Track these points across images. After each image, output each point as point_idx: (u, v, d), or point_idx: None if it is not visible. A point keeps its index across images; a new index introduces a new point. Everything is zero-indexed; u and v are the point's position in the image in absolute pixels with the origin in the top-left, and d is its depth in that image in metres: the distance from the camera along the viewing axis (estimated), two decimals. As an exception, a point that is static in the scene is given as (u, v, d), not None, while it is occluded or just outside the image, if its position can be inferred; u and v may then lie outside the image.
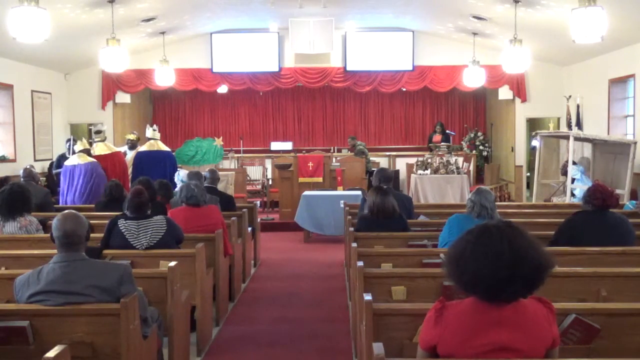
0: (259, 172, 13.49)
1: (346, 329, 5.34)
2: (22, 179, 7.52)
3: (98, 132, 9.65)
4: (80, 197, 8.59)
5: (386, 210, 5.41)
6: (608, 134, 10.27)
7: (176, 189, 7.55)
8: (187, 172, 7.90)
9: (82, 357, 3.03)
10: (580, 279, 3.84)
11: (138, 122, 14.16)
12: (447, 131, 13.91)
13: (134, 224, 4.69)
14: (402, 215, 5.60)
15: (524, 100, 12.89)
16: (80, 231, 3.21)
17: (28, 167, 8.15)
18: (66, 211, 3.36)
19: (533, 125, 13.35)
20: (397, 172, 13.14)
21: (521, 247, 2.16)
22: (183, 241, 5.03)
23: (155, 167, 9.39)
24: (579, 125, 11.07)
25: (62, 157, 10.30)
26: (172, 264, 4.01)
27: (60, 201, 8.49)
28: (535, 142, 11.16)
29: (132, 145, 10.16)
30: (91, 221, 5.49)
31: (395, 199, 5.66)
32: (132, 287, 3.26)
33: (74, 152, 9.29)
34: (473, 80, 11.95)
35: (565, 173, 9.66)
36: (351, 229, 5.77)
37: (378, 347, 2.39)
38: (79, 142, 9.06)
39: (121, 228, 4.68)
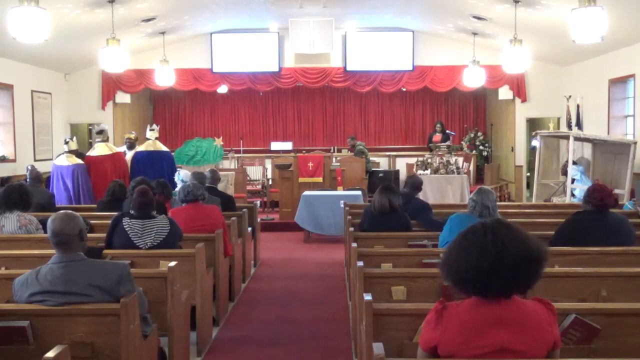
0: (259, 172, 13.49)
1: (346, 329, 5.34)
2: (28, 180, 7.50)
3: (100, 132, 9.63)
4: (75, 198, 8.60)
5: (390, 206, 5.67)
6: (608, 134, 10.27)
7: (176, 189, 7.56)
8: (187, 172, 7.89)
9: (82, 357, 3.03)
10: (580, 279, 3.84)
11: (138, 122, 14.16)
12: (447, 131, 13.90)
13: (138, 223, 4.67)
14: (405, 213, 5.83)
15: (524, 100, 12.89)
16: (69, 230, 3.14)
17: (33, 168, 7.98)
18: (61, 211, 3.31)
19: (533, 125, 13.35)
20: (397, 172, 13.14)
21: (505, 239, 2.18)
22: (182, 239, 5.01)
23: (152, 167, 9.36)
24: (579, 125, 11.07)
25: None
26: (172, 264, 4.00)
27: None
28: (535, 142, 11.16)
29: (131, 144, 10.14)
30: (92, 221, 5.53)
31: (415, 206, 6.27)
32: (131, 286, 3.25)
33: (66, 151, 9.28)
34: (473, 80, 11.95)
35: (565, 173, 9.66)
36: (351, 229, 5.79)
37: (378, 347, 2.39)
38: (70, 142, 9.03)
39: (125, 227, 4.65)
